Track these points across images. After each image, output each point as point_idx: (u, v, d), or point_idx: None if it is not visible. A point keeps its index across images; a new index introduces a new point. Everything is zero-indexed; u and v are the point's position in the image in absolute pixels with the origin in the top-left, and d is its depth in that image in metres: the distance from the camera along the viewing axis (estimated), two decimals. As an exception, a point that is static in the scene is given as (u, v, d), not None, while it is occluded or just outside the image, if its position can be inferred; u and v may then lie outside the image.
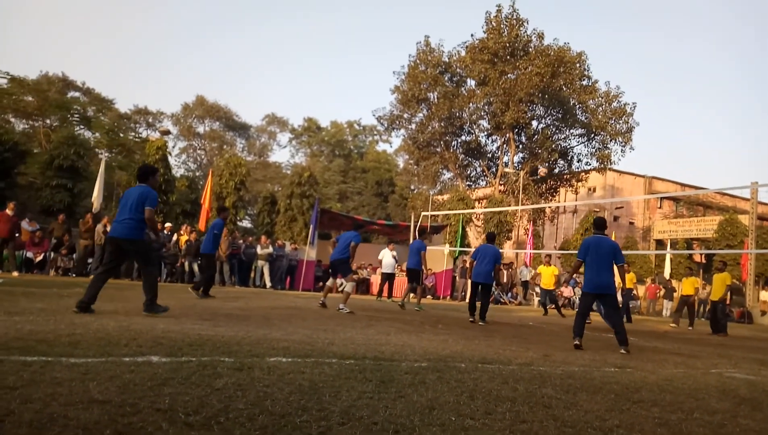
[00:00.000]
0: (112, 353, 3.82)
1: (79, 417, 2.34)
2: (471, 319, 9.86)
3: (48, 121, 30.88)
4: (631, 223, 42.13)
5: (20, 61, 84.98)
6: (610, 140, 31.61)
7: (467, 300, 14.67)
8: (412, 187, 44.67)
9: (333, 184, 44.65)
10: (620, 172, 41.23)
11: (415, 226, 16.22)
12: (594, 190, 42.47)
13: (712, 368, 6.10)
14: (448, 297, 20.78)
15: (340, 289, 11.78)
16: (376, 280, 18.68)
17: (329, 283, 10.50)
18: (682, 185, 42.30)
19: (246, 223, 37.63)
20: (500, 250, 11.05)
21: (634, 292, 20.26)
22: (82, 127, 31.31)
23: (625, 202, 40.71)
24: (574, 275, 12.72)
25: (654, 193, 39.46)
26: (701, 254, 33.11)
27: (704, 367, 6.10)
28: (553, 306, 15.50)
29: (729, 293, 13.71)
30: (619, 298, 10.14)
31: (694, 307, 15.46)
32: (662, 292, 23.34)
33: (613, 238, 24.90)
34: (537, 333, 9.19)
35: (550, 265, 15.97)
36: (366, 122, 56.31)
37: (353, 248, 9.69)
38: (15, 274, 12.46)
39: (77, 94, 39.01)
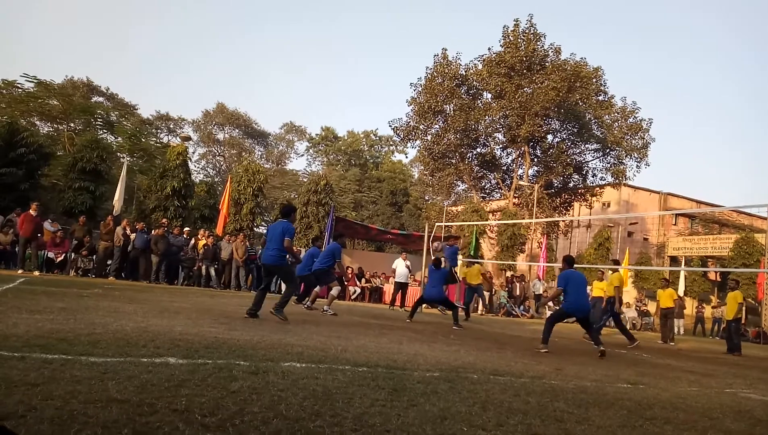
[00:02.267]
0: (130, 353, 3.90)
1: (98, 415, 2.40)
2: (408, 321, 10.87)
3: (72, 125, 31.33)
4: (646, 239, 41.67)
5: (47, 65, 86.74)
6: (626, 156, 31.36)
7: (478, 311, 14.69)
8: (427, 198, 44.66)
9: (348, 192, 44.73)
10: (635, 188, 40.87)
11: (429, 237, 16.21)
12: (608, 205, 42.12)
13: (726, 388, 6.03)
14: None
15: (353, 296, 12.06)
16: (389, 289, 18.68)
17: (316, 289, 11.05)
18: (698, 202, 41.78)
19: (263, 230, 37.85)
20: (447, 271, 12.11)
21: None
22: (105, 131, 31.75)
23: (639, 218, 40.29)
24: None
25: (669, 210, 39.01)
26: (716, 272, 32.61)
27: (719, 387, 6.03)
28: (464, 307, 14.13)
29: (744, 312, 13.55)
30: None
31: (673, 320, 15.24)
32: (675, 310, 23.05)
33: (626, 254, 24.92)
34: (549, 346, 9.12)
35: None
36: (382, 133, 56.56)
37: (339, 264, 10.77)
38: (36, 273, 12.66)
39: (101, 99, 39.60)
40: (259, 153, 57.29)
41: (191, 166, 27.54)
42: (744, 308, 13.58)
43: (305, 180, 38.75)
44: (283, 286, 16.93)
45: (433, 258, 12.14)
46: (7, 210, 15.80)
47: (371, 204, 45.59)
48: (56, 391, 2.68)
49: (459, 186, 35.54)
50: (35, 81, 27.50)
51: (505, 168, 34.14)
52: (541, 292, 22.13)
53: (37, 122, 30.80)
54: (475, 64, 31.33)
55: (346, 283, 18.59)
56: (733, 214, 40.37)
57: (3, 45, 71.93)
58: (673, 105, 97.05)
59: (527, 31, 29.31)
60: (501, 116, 30.33)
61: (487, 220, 26.36)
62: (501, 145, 33.09)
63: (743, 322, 13.91)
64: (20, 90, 28.50)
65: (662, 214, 39.75)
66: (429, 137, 32.68)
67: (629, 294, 29.88)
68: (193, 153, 51.16)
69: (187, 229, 17.24)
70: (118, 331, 4.86)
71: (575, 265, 8.75)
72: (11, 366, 3.10)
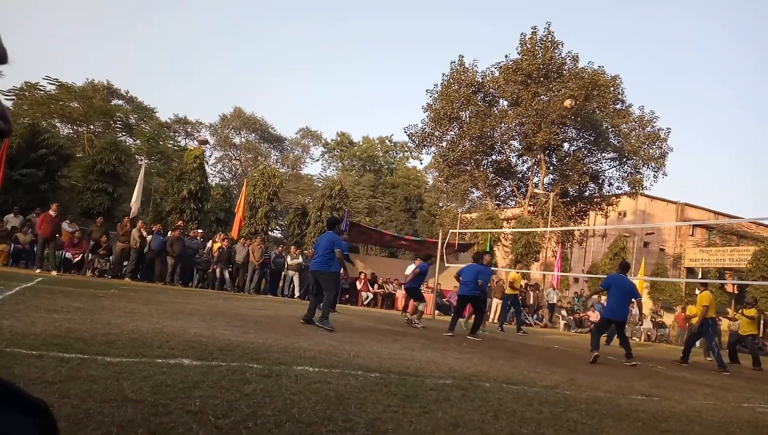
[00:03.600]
0: (145, 354, 3.94)
1: (113, 414, 2.43)
2: (450, 334, 9.70)
3: (92, 127, 31.77)
4: (662, 250, 41.13)
5: (68, 68, 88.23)
6: (643, 165, 31.04)
7: (495, 319, 14.60)
8: (441, 205, 44.56)
9: (362, 198, 44.72)
10: (652, 198, 40.37)
11: (443, 244, 16.16)
12: (624, 215, 41.69)
13: (743, 402, 5.93)
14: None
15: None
16: (401, 295, 18.65)
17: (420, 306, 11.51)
18: (716, 213, 41.15)
19: (277, 233, 38.03)
20: (490, 269, 11.64)
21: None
22: (124, 134, 32.13)
23: (655, 228, 39.76)
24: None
25: (686, 220, 38.48)
26: (734, 285, 32.12)
27: (735, 401, 5.93)
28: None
29: (762, 326, 13.28)
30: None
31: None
32: None
33: (642, 265, 24.54)
34: (562, 356, 9.06)
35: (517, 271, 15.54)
36: (397, 139, 56.62)
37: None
38: (54, 273, 12.82)
39: (121, 102, 40.13)
40: (275, 157, 57.62)
41: (208, 169, 27.77)
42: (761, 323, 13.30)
43: (320, 185, 38.91)
44: (296, 291, 17.22)
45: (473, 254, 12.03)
46: (27, 210, 16.06)
47: (385, 210, 45.55)
48: (73, 390, 2.72)
49: (473, 193, 35.44)
50: (57, 83, 27.96)
51: (520, 176, 33.98)
52: (555, 301, 21.94)
53: (58, 124, 31.25)
54: (491, 72, 31.28)
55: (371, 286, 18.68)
56: (752, 226, 39.75)
57: (26, 48, 73.36)
58: (692, 114, 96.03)
59: (545, 39, 29.20)
60: (517, 124, 30.21)
61: (501, 227, 26.23)
62: (516, 153, 32.95)
63: (760, 335, 13.61)
64: (42, 92, 29.01)
65: (679, 224, 39.23)
66: (444, 144, 32.65)
67: (644, 305, 29.52)
68: (210, 156, 51.57)
69: (200, 231, 17.37)
70: (134, 332, 4.91)
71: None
72: (29, 364, 3.15)
